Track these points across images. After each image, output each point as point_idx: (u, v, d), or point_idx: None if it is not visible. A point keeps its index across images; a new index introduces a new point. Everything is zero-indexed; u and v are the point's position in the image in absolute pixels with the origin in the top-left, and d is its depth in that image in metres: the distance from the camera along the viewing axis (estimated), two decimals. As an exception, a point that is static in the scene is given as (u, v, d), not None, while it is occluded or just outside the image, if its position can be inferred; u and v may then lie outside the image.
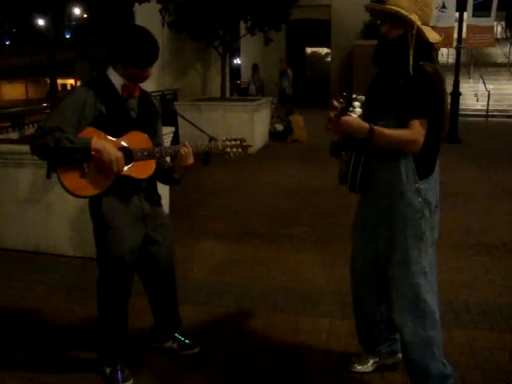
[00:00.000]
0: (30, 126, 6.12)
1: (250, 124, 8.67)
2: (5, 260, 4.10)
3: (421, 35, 2.04)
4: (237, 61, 23.30)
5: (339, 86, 16.17)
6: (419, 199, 2.12)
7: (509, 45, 17.17)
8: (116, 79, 2.29)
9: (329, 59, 17.78)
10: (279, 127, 10.80)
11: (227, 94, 10.91)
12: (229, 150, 2.43)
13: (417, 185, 2.12)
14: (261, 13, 9.33)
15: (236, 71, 20.06)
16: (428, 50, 2.10)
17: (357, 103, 2.08)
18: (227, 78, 11.10)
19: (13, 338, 2.93)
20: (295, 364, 2.68)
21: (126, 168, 2.27)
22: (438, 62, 2.15)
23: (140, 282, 2.63)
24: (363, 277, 2.43)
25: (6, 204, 4.24)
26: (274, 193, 6.20)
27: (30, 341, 2.89)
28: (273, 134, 10.53)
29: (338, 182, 2.29)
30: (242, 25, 10.29)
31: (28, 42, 32.88)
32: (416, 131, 2.03)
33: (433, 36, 2.08)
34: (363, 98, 2.13)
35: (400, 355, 2.54)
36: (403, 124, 2.05)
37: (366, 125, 2.06)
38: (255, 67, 14.81)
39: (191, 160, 2.35)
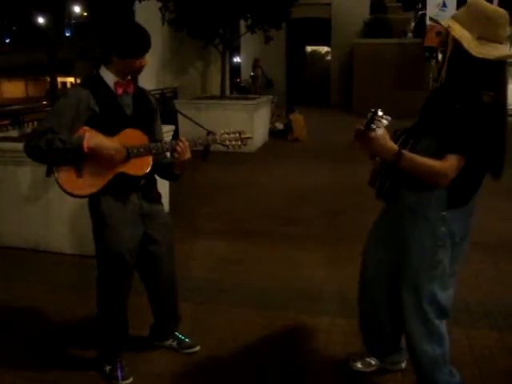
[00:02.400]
0: (30, 123, 6.11)
1: (250, 122, 8.66)
2: (4, 258, 4.09)
3: (466, 50, 1.84)
4: (237, 59, 23.26)
5: (339, 85, 16.19)
6: (443, 228, 2.00)
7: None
8: (109, 77, 2.28)
9: (329, 58, 17.75)
10: (279, 126, 10.81)
11: (227, 93, 10.89)
12: (227, 142, 2.39)
13: (443, 213, 1.99)
14: (261, 11, 9.32)
15: (236, 69, 20.03)
16: (495, 72, 1.91)
17: (385, 121, 1.84)
18: (227, 76, 11.09)
19: (13, 337, 2.93)
20: (295, 363, 2.68)
21: (122, 165, 2.26)
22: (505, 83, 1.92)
23: (140, 282, 2.62)
24: (374, 288, 2.34)
25: (6, 202, 4.23)
26: (273, 191, 6.19)
27: (30, 339, 2.89)
28: (273, 133, 10.53)
29: (368, 182, 2.16)
30: (243, 23, 10.28)
31: (28, 40, 32.81)
32: (449, 166, 1.87)
33: (486, 51, 1.85)
34: (390, 118, 1.86)
35: (403, 364, 2.54)
36: (441, 153, 1.89)
37: (395, 147, 1.89)
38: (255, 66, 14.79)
39: (188, 155, 2.33)
